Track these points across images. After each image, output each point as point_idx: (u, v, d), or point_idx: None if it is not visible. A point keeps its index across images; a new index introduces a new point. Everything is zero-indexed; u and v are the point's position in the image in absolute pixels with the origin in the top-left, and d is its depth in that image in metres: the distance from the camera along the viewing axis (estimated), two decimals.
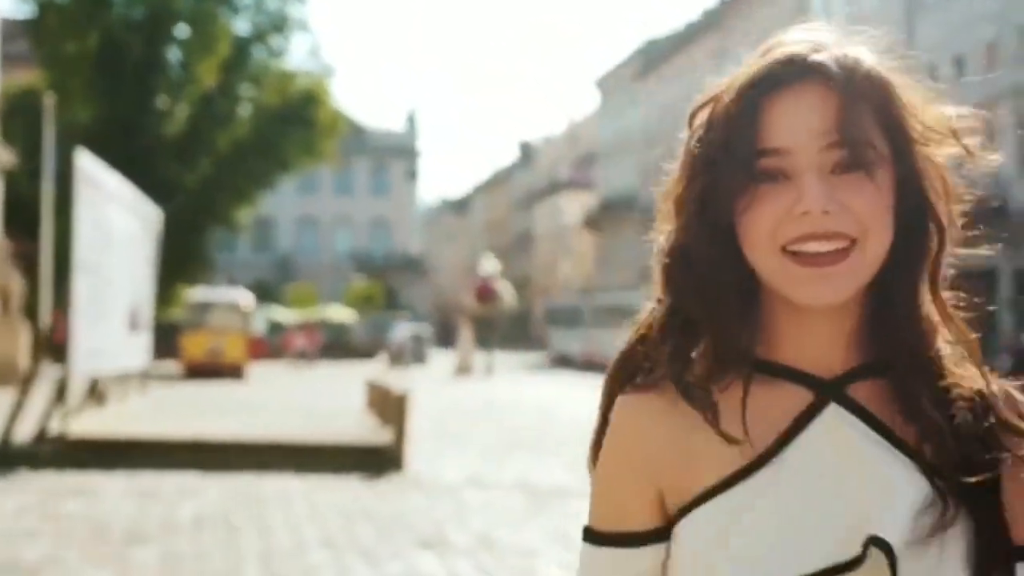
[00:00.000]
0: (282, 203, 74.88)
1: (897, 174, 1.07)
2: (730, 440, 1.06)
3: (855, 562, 1.02)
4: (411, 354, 49.56)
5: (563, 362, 49.83)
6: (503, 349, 57.03)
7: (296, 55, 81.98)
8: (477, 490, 10.53)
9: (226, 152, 47.61)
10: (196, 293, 33.98)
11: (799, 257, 1.04)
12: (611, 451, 1.13)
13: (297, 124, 47.87)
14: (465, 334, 40.04)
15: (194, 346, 31.44)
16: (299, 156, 49.08)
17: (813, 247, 1.03)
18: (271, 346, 51.41)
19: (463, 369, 38.34)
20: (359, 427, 13.58)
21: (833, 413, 1.08)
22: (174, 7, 45.93)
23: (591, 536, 1.14)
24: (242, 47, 47.88)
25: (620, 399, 1.13)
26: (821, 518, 1.05)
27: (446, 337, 65.96)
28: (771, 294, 1.09)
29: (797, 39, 1.10)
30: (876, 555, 1.01)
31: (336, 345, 57.14)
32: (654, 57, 64.67)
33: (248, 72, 48.23)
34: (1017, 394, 1.12)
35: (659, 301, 1.15)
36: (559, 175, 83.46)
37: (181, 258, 45.38)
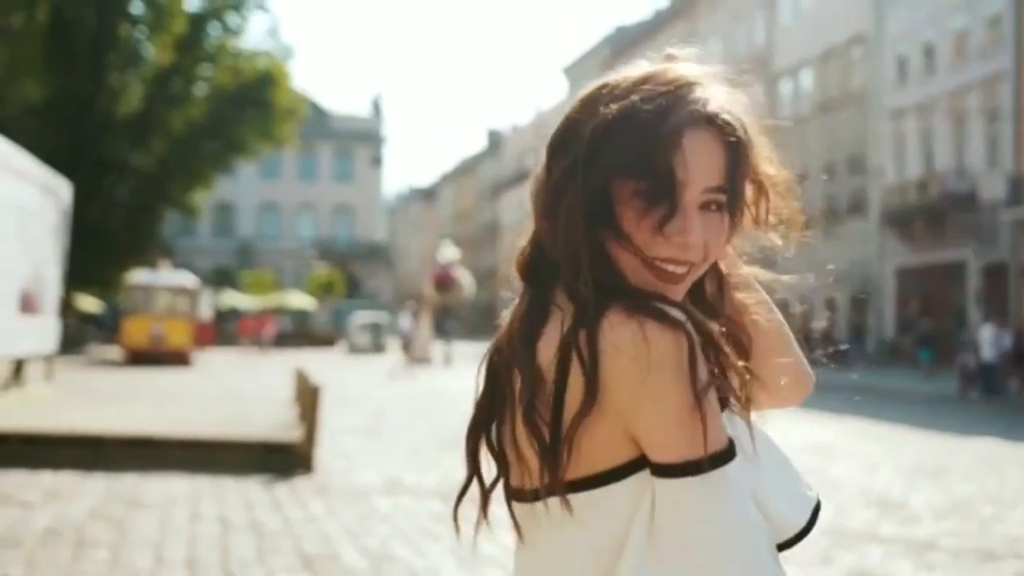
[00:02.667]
0: (244, 188, 73.46)
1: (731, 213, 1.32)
2: None
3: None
4: (368, 343, 48.42)
5: None
6: (467, 339, 55.87)
7: (255, 35, 79.91)
8: (391, 496, 9.39)
9: (180, 133, 46.08)
10: (137, 276, 32.53)
11: (658, 271, 1.27)
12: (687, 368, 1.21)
13: (254, 106, 46.39)
14: (423, 323, 38.98)
15: (135, 331, 30.17)
16: (256, 139, 47.63)
17: (671, 268, 1.28)
18: (226, 333, 50.13)
19: (420, 359, 37.27)
20: (275, 421, 12.39)
21: None
22: None
23: (725, 456, 1.22)
24: (198, 24, 46.29)
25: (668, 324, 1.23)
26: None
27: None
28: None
29: (702, 77, 1.32)
30: None
31: (296, 333, 55.87)
32: (623, 45, 63.67)
33: (204, 51, 46.59)
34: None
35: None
36: (527, 164, 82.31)
37: (132, 241, 43.99)
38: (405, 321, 35.06)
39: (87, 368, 25.90)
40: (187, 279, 34.29)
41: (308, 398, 10.88)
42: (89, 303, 41.05)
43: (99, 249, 42.21)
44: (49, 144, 42.02)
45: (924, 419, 18.64)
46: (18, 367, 13.57)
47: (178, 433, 10.65)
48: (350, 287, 71.33)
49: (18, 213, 13.38)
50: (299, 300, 58.51)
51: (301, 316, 58.70)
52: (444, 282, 39.08)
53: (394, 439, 14.09)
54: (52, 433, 10.24)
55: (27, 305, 13.94)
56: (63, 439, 10.06)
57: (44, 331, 15.38)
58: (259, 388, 20.62)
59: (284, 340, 51.36)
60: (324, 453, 11.49)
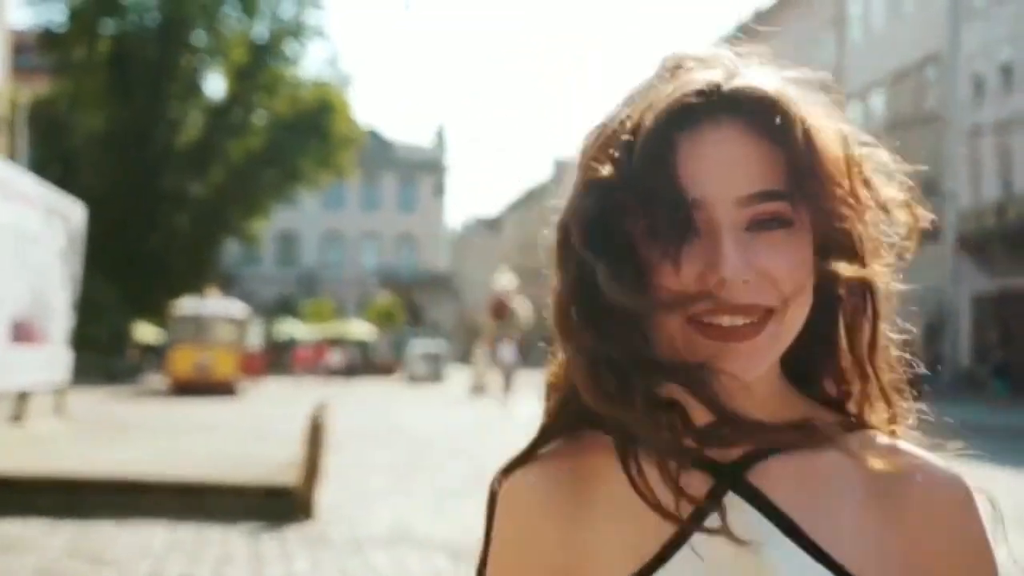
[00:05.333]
0: (307, 217, 73.41)
1: (816, 226, 0.95)
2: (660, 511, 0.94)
3: None
4: (427, 372, 47.60)
5: None
6: (532, 367, 54.66)
7: (315, 63, 79.98)
8: (392, 549, 8.33)
9: (239, 162, 45.85)
10: (184, 305, 31.84)
11: (709, 329, 0.92)
12: (498, 549, 1.01)
13: (312, 135, 45.97)
14: (479, 353, 38.08)
15: (180, 361, 29.44)
16: (315, 168, 47.19)
17: (726, 321, 0.92)
18: (282, 363, 49.58)
19: (477, 388, 36.34)
20: (287, 460, 11.37)
21: (731, 502, 0.95)
22: (188, 13, 44.12)
23: None
24: (258, 53, 46.08)
25: (504, 483, 1.01)
26: None
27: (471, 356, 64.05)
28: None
29: (705, 59, 0.98)
30: None
31: (357, 362, 55.18)
32: None
33: (263, 80, 46.30)
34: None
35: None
36: None
37: (192, 271, 43.67)
38: (506, 352, 33.81)
39: (128, 399, 25.22)
40: (235, 308, 33.54)
41: (312, 436, 9.86)
42: (151, 333, 40.71)
43: (159, 279, 41.97)
44: (110, 174, 42.03)
45: (1005, 456, 17.15)
46: (20, 401, 12.72)
47: (168, 475, 9.68)
48: (413, 316, 70.76)
49: (13, 237, 12.51)
50: (359, 329, 57.88)
51: (361, 345, 57.98)
52: (499, 310, 38.15)
53: (424, 478, 13.04)
54: (22, 476, 9.32)
55: (24, 335, 13.08)
56: (34, 483, 9.14)
57: (49, 362, 14.51)
58: (294, 421, 19.69)
59: (346, 369, 50.80)
60: (337, 495, 10.49)
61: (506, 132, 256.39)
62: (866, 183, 0.99)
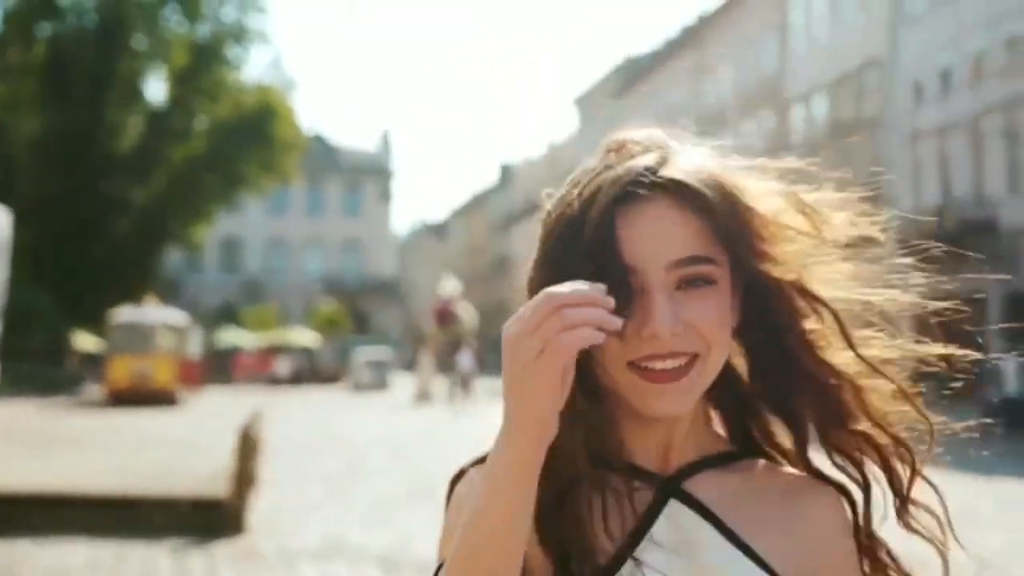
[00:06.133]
0: (251, 224, 72.58)
1: (742, 281, 1.13)
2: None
3: None
4: (372, 379, 47.20)
5: None
6: (481, 374, 54.24)
7: (258, 67, 79.22)
8: (324, 563, 8.08)
9: (181, 168, 45.22)
10: (121, 313, 31.13)
11: (645, 372, 1.08)
12: (448, 536, 1.13)
13: (254, 139, 45.45)
14: (424, 359, 37.76)
15: (118, 371, 28.78)
16: (258, 173, 46.69)
17: (659, 365, 1.08)
18: (224, 371, 48.94)
19: (422, 395, 36.02)
20: (213, 472, 11.06)
21: (674, 509, 1.14)
22: (128, 16, 43.43)
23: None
24: (199, 57, 45.48)
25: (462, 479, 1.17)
26: None
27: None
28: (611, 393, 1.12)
29: (642, 143, 1.14)
30: None
31: (302, 370, 54.64)
32: (633, 75, 62.64)
33: (204, 84, 45.70)
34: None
35: None
36: (538, 197, 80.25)
37: (135, 278, 42.95)
38: (463, 359, 33.42)
39: (62, 410, 24.65)
40: (174, 315, 32.91)
41: (243, 446, 9.58)
42: (91, 343, 39.95)
43: (101, 287, 41.23)
44: (48, 181, 41.23)
45: (940, 456, 17.16)
46: None
47: (90, 489, 9.35)
48: (359, 323, 70.17)
49: None
50: (303, 337, 57.31)
51: (306, 353, 57.45)
52: (444, 317, 37.88)
53: (362, 488, 12.78)
54: None
55: None
56: None
57: None
58: (232, 431, 19.33)
59: (285, 377, 50.26)
60: (271, 507, 10.23)
61: (452, 137, 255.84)
62: (807, 214, 1.17)
